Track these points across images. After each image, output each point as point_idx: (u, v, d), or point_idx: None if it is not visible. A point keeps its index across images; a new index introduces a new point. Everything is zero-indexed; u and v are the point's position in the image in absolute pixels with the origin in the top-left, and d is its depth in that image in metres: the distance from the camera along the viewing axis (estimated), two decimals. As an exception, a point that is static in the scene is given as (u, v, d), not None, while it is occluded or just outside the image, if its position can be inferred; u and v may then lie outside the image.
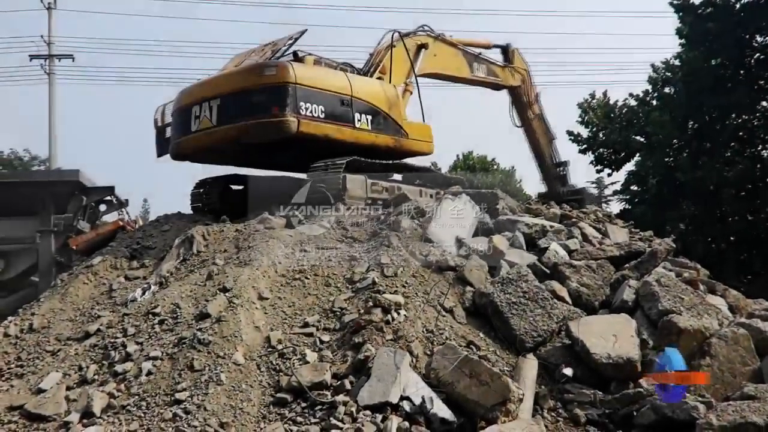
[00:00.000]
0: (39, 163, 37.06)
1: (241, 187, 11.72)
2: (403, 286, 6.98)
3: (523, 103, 15.76)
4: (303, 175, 10.55)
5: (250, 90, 9.60)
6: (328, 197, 9.32)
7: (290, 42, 10.50)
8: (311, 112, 9.55)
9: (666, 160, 22.94)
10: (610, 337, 6.25)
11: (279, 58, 10.14)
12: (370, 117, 10.44)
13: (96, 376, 6.13)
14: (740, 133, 21.52)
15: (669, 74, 23.80)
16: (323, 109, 9.74)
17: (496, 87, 15.22)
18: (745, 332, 6.41)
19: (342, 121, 10.01)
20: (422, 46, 12.39)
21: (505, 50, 15.36)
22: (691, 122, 22.13)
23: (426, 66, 12.50)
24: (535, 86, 16.09)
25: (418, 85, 11.91)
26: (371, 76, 11.21)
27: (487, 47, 14.95)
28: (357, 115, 10.21)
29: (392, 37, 11.55)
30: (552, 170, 16.07)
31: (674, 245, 9.58)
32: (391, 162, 10.80)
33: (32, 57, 29.04)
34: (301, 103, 9.43)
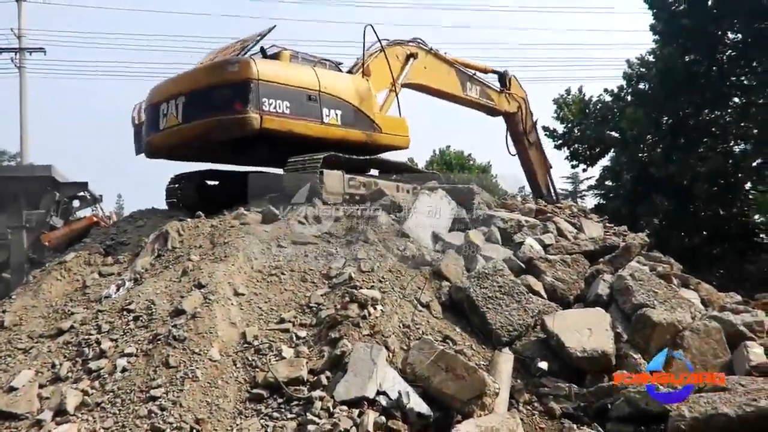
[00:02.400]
0: (9, 158, 36.55)
1: (216, 183, 11.65)
2: (380, 281, 6.99)
3: (519, 131, 15.83)
4: (279, 171, 10.52)
5: (214, 87, 9.53)
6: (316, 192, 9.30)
7: (258, 38, 10.43)
8: (275, 108, 9.48)
9: (640, 155, 23.23)
10: (585, 330, 6.30)
11: (246, 54, 10.07)
12: (339, 112, 10.39)
13: (69, 374, 6.04)
14: (713, 129, 21.86)
15: (643, 70, 24.04)
16: (288, 105, 9.67)
17: (491, 112, 15.24)
18: (717, 325, 6.51)
19: (309, 116, 9.94)
20: (411, 56, 12.39)
21: (502, 77, 15.39)
22: (665, 118, 22.43)
23: (413, 76, 12.50)
24: (531, 114, 16.16)
25: (396, 87, 11.91)
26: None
27: (485, 71, 14.97)
28: (325, 110, 10.15)
29: (381, 43, 11.53)
30: (548, 200, 15.99)
31: (648, 240, 9.70)
32: (369, 158, 10.78)
33: (2, 50, 28.56)
34: (264, 99, 9.35)
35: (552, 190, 16.97)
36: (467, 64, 14.35)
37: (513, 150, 16.20)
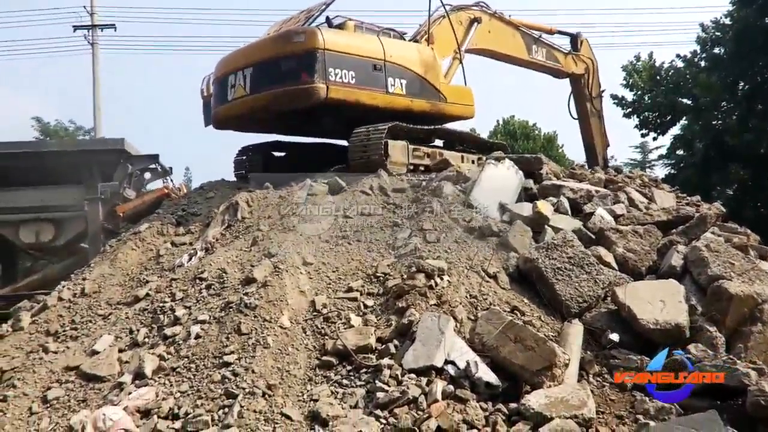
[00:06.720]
0: (84, 133, 37.81)
1: (283, 154, 11.78)
2: (446, 252, 6.95)
3: (583, 94, 15.45)
4: (343, 142, 10.56)
5: (280, 57, 9.57)
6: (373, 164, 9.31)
7: (323, 8, 10.41)
8: (341, 78, 9.47)
9: (714, 123, 22.33)
10: (658, 302, 6.14)
11: (312, 25, 10.07)
12: (404, 81, 10.30)
13: (146, 339, 6.29)
14: (794, 95, 20.80)
15: (718, 34, 22.98)
16: (354, 75, 9.65)
17: (557, 73, 14.91)
18: (798, 298, 6.25)
19: (374, 86, 9.91)
20: (475, 20, 12.17)
21: (574, 39, 15.07)
22: (741, 83, 21.46)
23: (478, 41, 12.28)
24: (600, 83, 15.75)
25: (461, 54, 11.74)
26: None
27: (551, 33, 14.60)
28: (390, 80, 10.09)
29: (445, 8, 11.38)
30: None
31: (724, 210, 9.36)
32: (434, 128, 10.68)
33: (76, 28, 29.48)
34: (330, 69, 9.35)
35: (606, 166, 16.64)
36: (532, 25, 14.03)
37: (575, 114, 15.87)
